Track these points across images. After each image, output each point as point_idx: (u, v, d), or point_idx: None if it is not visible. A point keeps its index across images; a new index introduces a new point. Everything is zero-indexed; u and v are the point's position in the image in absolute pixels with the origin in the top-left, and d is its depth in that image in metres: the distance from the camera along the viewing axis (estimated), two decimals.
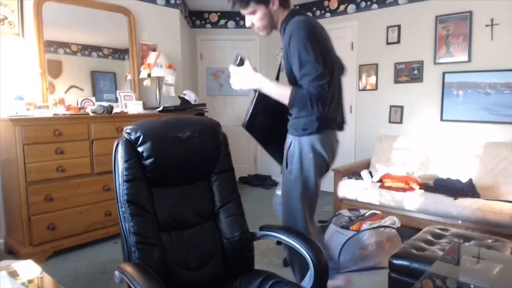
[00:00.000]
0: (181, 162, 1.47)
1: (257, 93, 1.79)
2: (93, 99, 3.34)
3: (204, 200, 1.54)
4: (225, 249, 1.51)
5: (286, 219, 1.86)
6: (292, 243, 1.39)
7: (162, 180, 1.44)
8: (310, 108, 1.57)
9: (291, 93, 1.58)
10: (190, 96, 3.85)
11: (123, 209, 1.33)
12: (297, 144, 1.76)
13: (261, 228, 1.55)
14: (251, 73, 1.67)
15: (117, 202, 1.35)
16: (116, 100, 3.55)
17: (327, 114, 1.68)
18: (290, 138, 1.79)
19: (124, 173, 1.33)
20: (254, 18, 1.73)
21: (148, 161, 1.38)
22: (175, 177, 1.48)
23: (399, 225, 2.73)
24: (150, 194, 1.40)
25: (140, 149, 1.37)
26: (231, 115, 5.30)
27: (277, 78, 1.95)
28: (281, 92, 1.62)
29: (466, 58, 3.60)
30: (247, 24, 1.78)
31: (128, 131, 1.38)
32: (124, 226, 1.32)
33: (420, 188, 3.18)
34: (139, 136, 1.37)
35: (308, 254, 1.31)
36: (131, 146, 1.37)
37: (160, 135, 1.42)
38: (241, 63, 1.67)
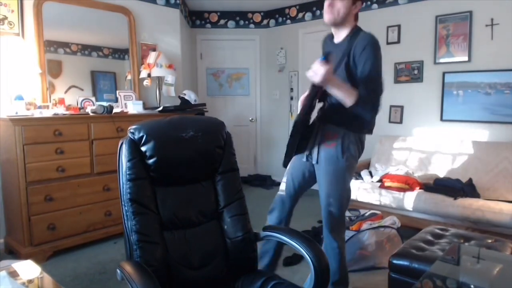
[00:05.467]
0: (184, 162, 1.47)
1: (315, 89, 1.88)
2: (93, 99, 3.34)
3: (208, 199, 1.54)
4: (228, 249, 1.51)
5: (342, 203, 1.99)
6: (294, 244, 1.39)
7: (165, 179, 1.45)
8: (368, 111, 1.82)
9: (359, 94, 1.77)
10: (190, 96, 3.85)
11: (126, 208, 1.34)
12: (351, 136, 1.94)
13: (264, 229, 1.55)
14: (331, 70, 1.77)
15: (121, 201, 1.35)
16: (116, 100, 3.55)
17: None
18: (341, 131, 1.93)
19: (128, 172, 1.34)
20: (341, 3, 1.83)
21: (151, 161, 1.39)
22: (178, 177, 1.48)
23: (399, 225, 2.74)
24: (154, 193, 1.41)
25: (143, 148, 1.38)
26: (231, 115, 5.30)
27: None
28: (350, 91, 1.78)
29: (466, 58, 3.60)
30: (329, 3, 1.84)
31: (132, 130, 1.40)
32: (127, 225, 1.33)
33: (420, 188, 3.18)
34: (143, 136, 1.38)
35: (309, 256, 1.31)
36: (134, 145, 1.38)
37: (164, 134, 1.43)
38: (326, 59, 1.74)
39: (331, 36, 2.01)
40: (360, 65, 1.80)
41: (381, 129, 4.23)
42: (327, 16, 1.87)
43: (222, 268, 1.49)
